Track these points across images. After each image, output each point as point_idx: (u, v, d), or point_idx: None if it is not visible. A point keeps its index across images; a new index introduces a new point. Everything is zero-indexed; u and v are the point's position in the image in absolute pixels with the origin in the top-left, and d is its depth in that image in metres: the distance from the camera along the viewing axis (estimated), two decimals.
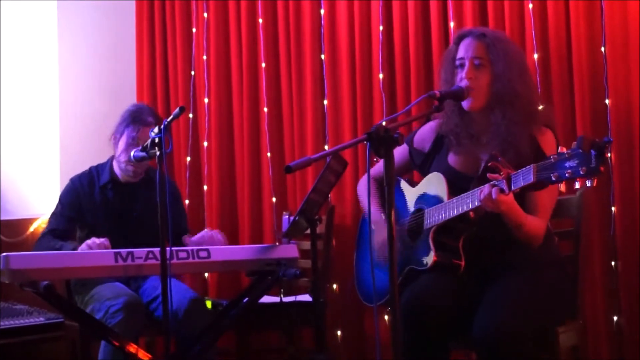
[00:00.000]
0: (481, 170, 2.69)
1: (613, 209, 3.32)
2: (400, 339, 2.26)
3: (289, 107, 4.28)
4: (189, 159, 4.56)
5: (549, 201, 2.77)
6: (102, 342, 3.25)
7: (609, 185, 3.32)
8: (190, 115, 4.57)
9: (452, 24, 3.69)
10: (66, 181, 3.70)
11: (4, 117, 4.49)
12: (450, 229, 2.75)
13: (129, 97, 4.69)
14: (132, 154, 3.13)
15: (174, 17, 4.66)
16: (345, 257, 3.80)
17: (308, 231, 3.11)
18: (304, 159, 2.35)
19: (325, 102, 4.14)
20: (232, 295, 3.75)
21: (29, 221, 4.49)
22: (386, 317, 3.68)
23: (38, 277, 2.80)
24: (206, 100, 4.51)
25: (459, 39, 2.90)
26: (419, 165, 3.05)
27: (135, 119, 3.49)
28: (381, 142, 2.26)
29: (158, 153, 2.86)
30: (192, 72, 4.59)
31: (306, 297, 3.74)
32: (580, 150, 2.20)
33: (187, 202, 4.48)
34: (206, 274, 4.39)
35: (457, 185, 2.75)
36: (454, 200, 2.69)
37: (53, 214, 3.59)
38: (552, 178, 2.28)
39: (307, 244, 3.30)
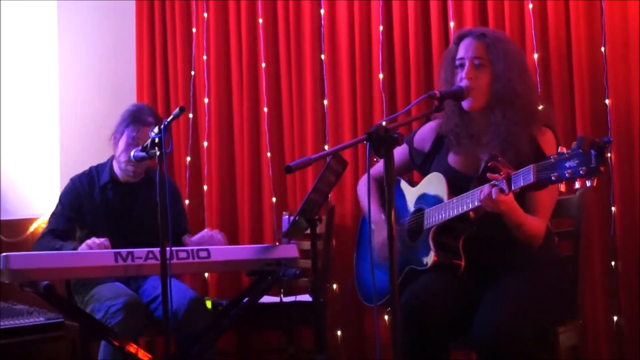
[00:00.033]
0: (481, 170, 2.69)
1: (613, 209, 3.32)
2: (400, 339, 2.26)
3: (289, 107, 4.28)
4: (189, 159, 4.56)
5: (549, 201, 2.77)
6: (102, 342, 3.25)
7: (609, 185, 3.32)
8: (190, 115, 4.57)
9: (452, 24, 3.69)
10: (66, 181, 3.70)
11: (4, 117, 4.49)
12: (450, 229, 2.75)
13: (128, 97, 4.69)
14: (132, 154, 3.13)
15: (174, 17, 4.66)
16: (345, 257, 3.80)
17: (308, 231, 3.11)
18: (304, 159, 2.35)
19: (325, 102, 4.14)
20: (232, 296, 3.75)
21: (28, 221, 4.49)
22: (386, 317, 3.68)
23: (38, 277, 2.80)
24: (206, 100, 4.51)
25: (459, 39, 2.90)
26: (419, 165, 3.05)
27: (136, 119, 3.49)
28: (381, 142, 2.26)
29: (158, 153, 2.86)
30: (192, 72, 4.59)
31: (306, 297, 3.74)
32: (580, 150, 2.20)
33: (187, 202, 4.48)
34: (206, 274, 4.39)
35: (457, 185, 2.75)
36: (454, 200, 2.69)
37: (53, 214, 3.59)
38: (552, 178, 2.28)
39: (307, 244, 3.30)
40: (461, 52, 2.85)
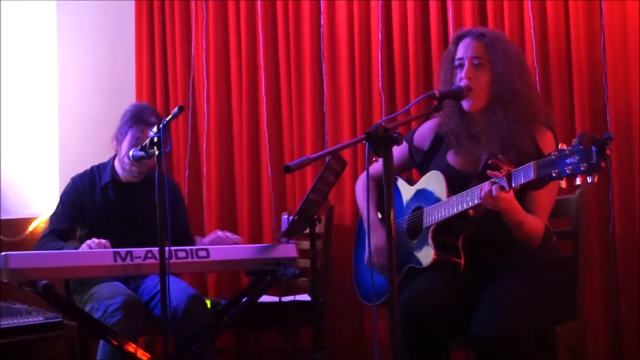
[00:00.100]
0: (480, 167, 2.68)
1: (612, 208, 3.32)
2: (399, 339, 2.26)
3: (288, 107, 4.28)
4: (188, 158, 4.56)
5: (548, 201, 2.77)
6: (101, 342, 3.25)
7: (608, 185, 3.33)
8: (190, 115, 4.57)
9: (451, 24, 3.69)
10: (65, 181, 3.69)
11: (3, 117, 4.49)
12: (450, 227, 2.75)
13: (128, 97, 4.69)
14: (130, 153, 3.13)
15: (173, 17, 4.66)
16: (344, 256, 3.80)
17: (307, 231, 3.11)
18: (303, 158, 2.35)
19: (325, 101, 4.14)
20: (232, 295, 3.74)
21: (28, 221, 4.49)
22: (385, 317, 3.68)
23: (37, 277, 2.79)
24: (205, 100, 4.50)
25: (458, 39, 2.90)
26: (418, 164, 3.05)
27: (139, 119, 3.47)
28: (380, 142, 2.26)
29: (157, 152, 2.86)
30: (191, 72, 4.59)
31: (305, 297, 3.74)
32: (581, 147, 2.20)
33: (186, 201, 4.48)
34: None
35: (456, 184, 2.75)
36: (454, 198, 2.69)
37: (54, 214, 3.59)
38: (553, 175, 2.28)
39: (306, 244, 3.30)
40: (460, 52, 2.85)
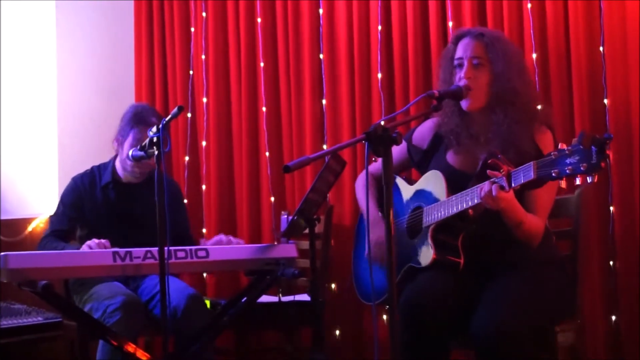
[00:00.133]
0: (479, 167, 2.68)
1: (612, 208, 3.32)
2: (399, 338, 2.26)
3: (287, 107, 4.28)
4: (187, 158, 4.56)
5: (548, 200, 2.77)
6: (100, 342, 3.24)
7: (607, 185, 3.33)
8: (189, 115, 4.56)
9: (450, 24, 3.69)
10: (64, 181, 3.69)
11: (3, 117, 4.48)
12: (450, 227, 2.75)
13: (127, 97, 4.69)
14: (130, 153, 3.12)
15: (173, 17, 4.66)
16: (343, 256, 3.80)
17: (307, 231, 3.11)
18: (302, 158, 2.35)
19: (324, 101, 4.14)
20: (231, 295, 3.74)
21: (27, 221, 4.49)
22: (385, 317, 3.68)
23: (36, 277, 2.79)
24: (205, 99, 4.50)
25: (457, 38, 2.90)
26: (417, 163, 3.05)
27: (140, 120, 3.46)
28: (380, 142, 2.26)
29: (156, 152, 2.86)
30: (191, 72, 4.59)
31: (305, 297, 3.74)
32: (581, 147, 2.20)
33: (185, 201, 4.48)
34: (204, 274, 4.39)
35: (456, 183, 2.75)
36: (453, 198, 2.69)
37: (55, 214, 3.58)
38: (553, 174, 2.28)
39: (305, 244, 3.30)
40: (459, 52, 2.85)
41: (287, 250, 3.21)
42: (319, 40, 4.16)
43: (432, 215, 2.78)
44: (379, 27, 3.93)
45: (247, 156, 4.36)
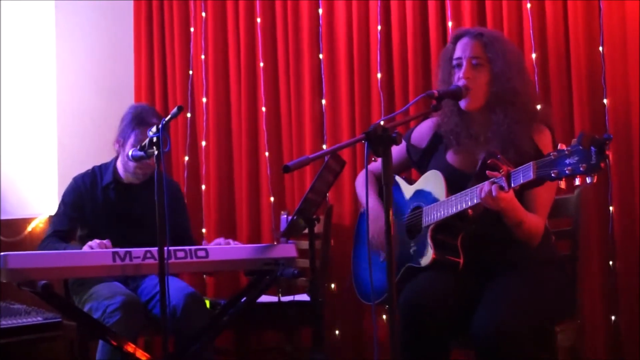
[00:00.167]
0: (479, 167, 2.69)
1: (611, 208, 3.32)
2: (398, 338, 2.26)
3: (287, 107, 4.28)
4: (187, 158, 4.56)
5: (547, 198, 2.77)
6: (100, 342, 3.24)
7: (607, 185, 3.33)
8: (189, 115, 4.57)
9: (450, 24, 3.69)
10: (64, 180, 3.69)
11: (2, 117, 4.48)
12: (449, 227, 2.75)
13: (127, 97, 4.69)
14: (130, 153, 3.12)
15: (172, 17, 4.66)
16: (343, 256, 3.80)
17: (306, 231, 3.10)
18: (302, 158, 2.35)
19: (324, 101, 4.14)
20: (231, 295, 3.74)
21: (27, 221, 4.49)
22: (385, 317, 3.68)
23: (36, 277, 2.79)
24: (204, 99, 4.50)
25: (456, 38, 2.90)
26: (416, 162, 3.05)
27: (140, 121, 3.46)
28: (379, 142, 2.27)
29: (156, 152, 2.86)
30: (190, 72, 4.59)
31: (304, 297, 3.74)
32: (580, 147, 2.20)
33: (184, 201, 4.48)
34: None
35: (456, 183, 2.75)
36: (453, 198, 2.69)
37: (56, 215, 3.58)
38: (552, 175, 2.28)
39: (305, 244, 3.30)
40: (458, 52, 2.85)
41: (287, 250, 3.21)
42: (318, 40, 4.16)
43: (432, 215, 2.78)
44: (379, 27, 3.93)
45: (247, 156, 4.36)
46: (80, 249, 3.24)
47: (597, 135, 2.18)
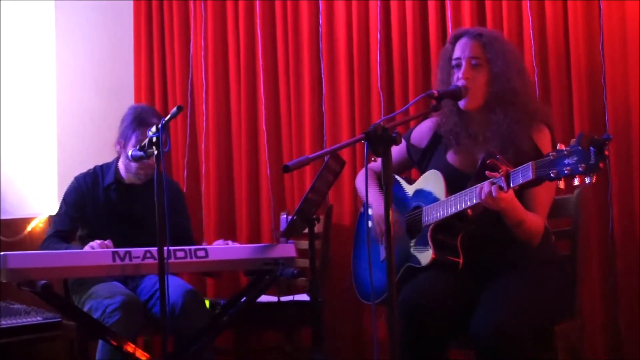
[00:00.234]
0: (478, 167, 2.69)
1: (611, 208, 3.32)
2: (398, 338, 2.26)
3: (286, 107, 4.28)
4: (186, 158, 4.56)
5: (547, 198, 2.77)
6: (100, 342, 3.24)
7: (607, 185, 3.32)
8: (188, 115, 4.56)
9: (450, 24, 3.69)
10: (64, 180, 3.69)
11: (2, 117, 4.48)
12: (449, 227, 2.75)
13: (126, 97, 4.69)
14: (129, 153, 3.12)
15: (172, 17, 4.66)
16: (343, 256, 3.80)
17: (306, 230, 3.10)
18: (302, 158, 2.35)
19: (323, 101, 4.14)
20: (231, 295, 3.74)
21: (26, 220, 4.49)
22: (384, 317, 3.68)
23: (36, 277, 2.79)
24: (204, 99, 4.50)
25: (455, 38, 2.90)
26: (416, 162, 3.05)
27: (141, 122, 3.46)
28: (379, 142, 2.27)
29: (156, 152, 2.86)
30: (190, 72, 4.59)
31: (304, 297, 3.74)
32: (579, 147, 2.20)
33: (185, 201, 4.47)
34: None
35: (455, 183, 2.75)
36: (452, 198, 2.69)
37: (57, 215, 3.58)
38: (551, 175, 2.28)
39: (305, 244, 3.30)
40: (457, 52, 2.85)
41: (286, 250, 3.21)
42: (318, 40, 4.16)
43: (431, 215, 2.78)
44: (379, 27, 3.93)
45: (247, 156, 4.36)
46: (81, 249, 3.24)
47: (596, 135, 2.18)
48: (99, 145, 4.34)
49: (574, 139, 2.23)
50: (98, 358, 3.25)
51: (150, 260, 2.95)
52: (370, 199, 3.04)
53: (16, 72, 4.58)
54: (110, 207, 3.55)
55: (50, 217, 3.89)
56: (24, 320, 3.80)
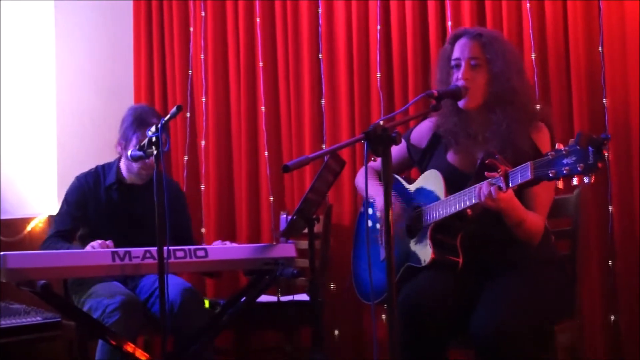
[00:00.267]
0: (477, 166, 2.69)
1: (610, 208, 3.32)
2: (398, 338, 2.26)
3: (286, 107, 4.28)
4: (186, 158, 4.56)
5: (547, 197, 2.77)
6: (100, 342, 3.24)
7: (606, 185, 3.33)
8: (188, 115, 4.56)
9: (449, 24, 3.69)
10: (63, 180, 3.69)
11: (2, 117, 4.48)
12: (448, 226, 2.75)
13: (126, 97, 4.69)
14: (129, 153, 3.12)
15: (172, 17, 4.65)
16: (343, 256, 3.80)
17: (306, 230, 3.10)
18: (301, 158, 2.35)
19: (323, 101, 4.14)
20: (230, 295, 3.74)
21: (26, 220, 4.48)
22: (384, 317, 3.68)
23: (35, 277, 2.79)
24: (204, 99, 4.50)
25: (454, 38, 2.90)
26: (416, 162, 3.05)
27: (141, 123, 3.45)
28: (379, 141, 2.26)
29: (155, 152, 2.86)
30: (190, 71, 4.59)
31: (304, 297, 3.74)
32: (578, 147, 2.21)
33: (186, 201, 4.47)
34: None
35: (455, 182, 2.75)
36: (452, 198, 2.69)
37: (59, 214, 3.57)
38: (550, 175, 2.28)
39: (304, 244, 3.30)
40: (457, 53, 2.85)
41: (286, 250, 3.21)
42: (318, 40, 4.16)
43: (431, 215, 2.78)
44: (378, 27, 3.93)
45: (246, 156, 4.36)
46: (82, 248, 3.24)
47: (594, 135, 2.19)
48: (99, 145, 4.34)
49: (573, 139, 2.23)
50: (98, 358, 3.25)
51: (150, 260, 2.95)
52: (372, 192, 3.04)
53: (16, 72, 4.58)
54: (112, 207, 3.54)
55: (50, 217, 3.89)
56: (24, 320, 3.80)
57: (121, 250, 2.95)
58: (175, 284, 3.32)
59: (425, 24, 3.82)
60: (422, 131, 3.05)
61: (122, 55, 4.84)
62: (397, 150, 2.99)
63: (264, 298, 3.64)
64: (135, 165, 3.47)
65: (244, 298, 3.31)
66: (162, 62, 4.71)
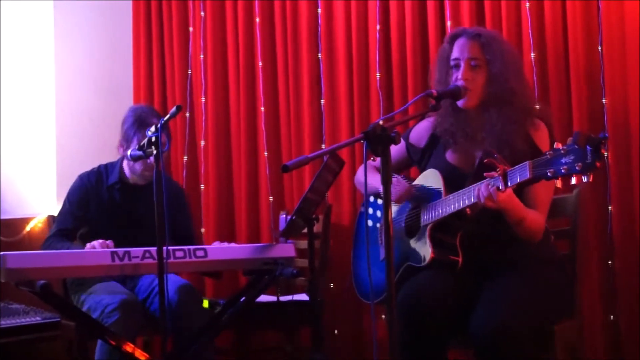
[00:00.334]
0: (476, 166, 2.69)
1: (610, 208, 3.32)
2: (397, 337, 2.26)
3: (286, 106, 4.28)
4: (186, 158, 4.56)
5: (546, 195, 2.78)
6: (99, 342, 3.24)
7: (605, 184, 3.33)
8: (187, 114, 4.56)
9: (449, 24, 3.69)
10: (63, 180, 3.69)
11: (1, 117, 4.48)
12: (448, 226, 2.75)
13: (125, 97, 4.68)
14: (129, 152, 3.12)
15: (171, 16, 4.65)
16: (342, 256, 3.80)
17: (305, 230, 3.10)
18: (301, 158, 2.35)
19: (322, 101, 4.14)
20: (230, 295, 3.74)
21: (25, 220, 4.48)
22: (384, 316, 3.68)
23: (34, 276, 2.79)
24: (203, 99, 4.50)
25: (453, 38, 2.90)
26: (416, 161, 3.05)
27: (142, 124, 3.45)
28: (378, 141, 2.26)
29: (155, 152, 2.86)
30: (189, 71, 4.59)
31: (304, 297, 3.74)
32: (576, 146, 2.21)
33: (187, 201, 4.47)
34: None
35: (455, 182, 2.75)
36: (451, 197, 2.69)
37: (61, 213, 3.57)
38: (548, 174, 2.28)
39: (304, 243, 3.30)
40: (456, 53, 2.85)
41: (286, 249, 3.21)
42: (317, 40, 4.16)
43: (430, 214, 2.78)
44: (378, 27, 3.93)
45: (246, 156, 4.36)
46: (82, 248, 3.24)
47: (592, 134, 2.19)
48: (98, 145, 4.34)
49: (571, 138, 2.23)
50: (97, 358, 3.25)
51: (150, 260, 2.95)
52: (376, 184, 3.03)
53: (15, 72, 4.58)
54: (113, 207, 3.54)
55: (50, 216, 3.89)
56: (23, 320, 3.79)
57: (120, 250, 2.95)
58: (171, 282, 3.31)
59: (425, 24, 3.82)
60: (420, 131, 3.05)
61: (121, 55, 4.84)
62: (396, 150, 2.98)
63: (263, 298, 3.64)
64: (138, 166, 3.46)
65: (244, 298, 3.31)
66: (162, 62, 4.71)
